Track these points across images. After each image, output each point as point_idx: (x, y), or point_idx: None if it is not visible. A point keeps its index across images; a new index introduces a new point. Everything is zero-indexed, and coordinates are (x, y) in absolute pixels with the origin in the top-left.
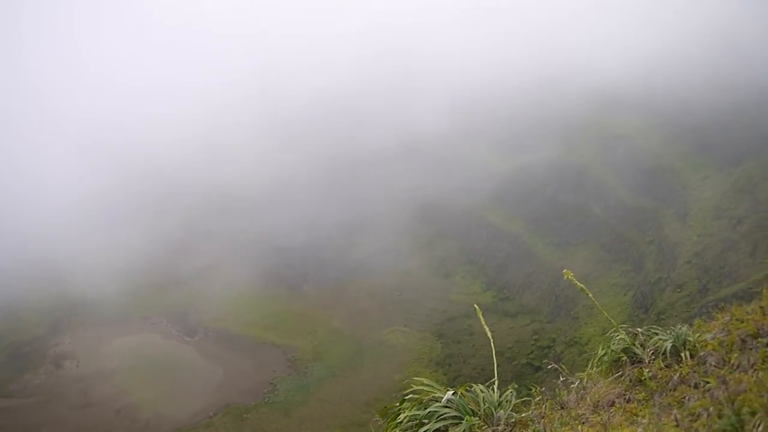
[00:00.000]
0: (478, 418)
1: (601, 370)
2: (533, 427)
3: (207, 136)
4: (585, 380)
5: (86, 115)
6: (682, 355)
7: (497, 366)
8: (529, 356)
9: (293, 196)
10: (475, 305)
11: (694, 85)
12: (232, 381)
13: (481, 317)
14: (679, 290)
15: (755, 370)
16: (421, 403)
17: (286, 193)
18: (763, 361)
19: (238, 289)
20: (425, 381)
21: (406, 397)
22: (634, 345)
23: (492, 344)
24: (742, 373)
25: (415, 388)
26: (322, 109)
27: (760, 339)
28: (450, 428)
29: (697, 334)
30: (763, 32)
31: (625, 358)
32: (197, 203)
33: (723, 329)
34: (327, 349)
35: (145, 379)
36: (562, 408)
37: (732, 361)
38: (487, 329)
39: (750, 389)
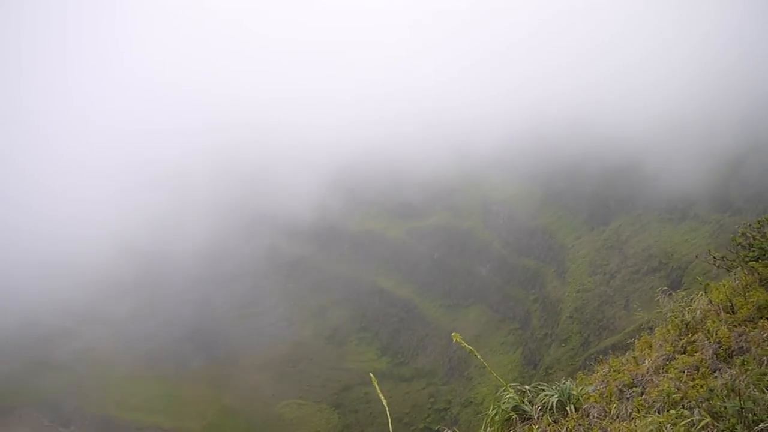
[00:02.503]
0: None
1: (494, 430)
2: None
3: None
4: None
5: None
6: (568, 409)
7: None
8: (427, 420)
9: (178, 271)
10: (370, 374)
11: (563, 152)
12: None
13: (377, 385)
14: (563, 345)
15: (632, 418)
16: None
17: (171, 268)
18: (638, 409)
19: (121, 371)
20: None
21: None
22: (523, 402)
23: (387, 412)
24: (621, 422)
25: None
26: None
27: (634, 388)
28: None
29: (580, 387)
30: (621, 104)
31: (515, 416)
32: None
33: (603, 381)
34: (218, 429)
35: None
36: None
37: (612, 412)
38: (382, 397)
39: None
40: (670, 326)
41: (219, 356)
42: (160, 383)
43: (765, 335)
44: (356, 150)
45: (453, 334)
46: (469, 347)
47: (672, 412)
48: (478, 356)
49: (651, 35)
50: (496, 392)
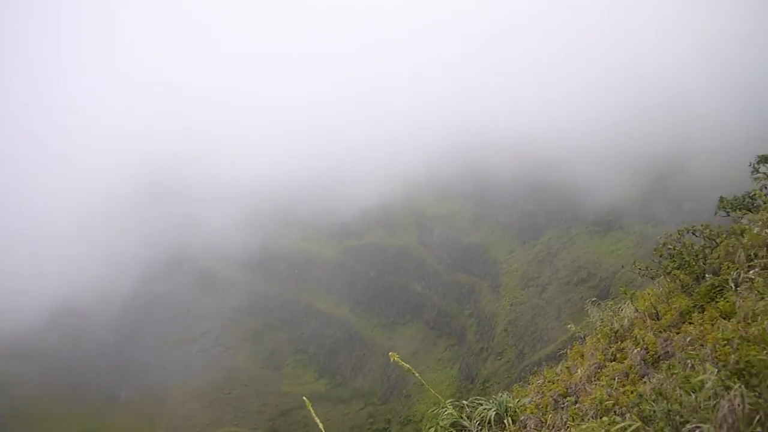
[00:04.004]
0: None
1: None
2: None
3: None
4: None
5: None
6: (506, 421)
7: None
8: None
9: (105, 298)
10: (305, 398)
11: (494, 169)
12: None
13: (311, 409)
14: (499, 358)
15: (567, 427)
16: None
17: (97, 296)
18: (573, 418)
19: (44, 407)
20: None
21: None
22: (462, 418)
23: None
24: None
25: None
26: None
27: (569, 397)
28: None
29: (517, 400)
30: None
31: None
32: None
33: (538, 392)
34: None
35: None
36: None
37: (548, 422)
38: (318, 422)
39: None
40: (600, 335)
41: (150, 386)
42: (87, 418)
43: (688, 339)
44: (290, 172)
45: (390, 353)
46: (407, 366)
47: (605, 418)
48: (416, 374)
49: (580, 57)
50: (435, 409)
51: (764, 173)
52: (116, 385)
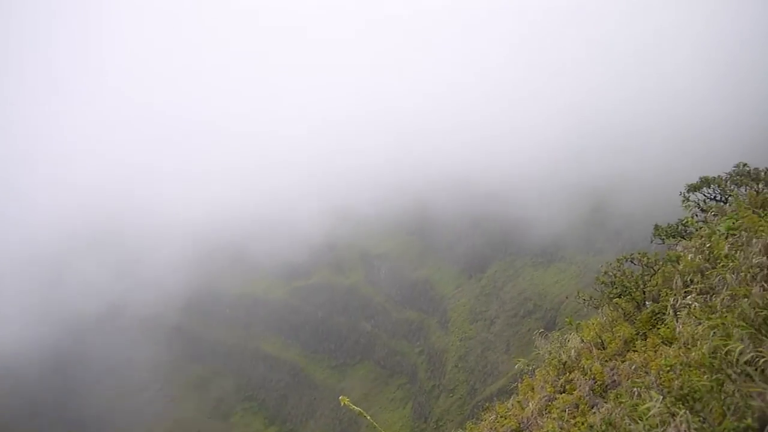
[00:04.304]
0: None
1: None
2: None
3: None
4: None
5: None
6: None
7: None
8: None
9: (40, 352)
10: None
11: (438, 204)
12: None
13: None
14: (451, 395)
15: None
16: None
17: (32, 349)
18: None
19: None
20: None
21: None
22: None
23: None
24: None
25: None
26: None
27: None
28: None
29: None
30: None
31: None
32: None
33: (491, 428)
34: None
35: None
36: None
37: None
38: None
39: None
40: (549, 367)
41: None
42: None
43: (633, 367)
44: (233, 213)
45: (341, 397)
46: (358, 409)
47: None
48: (368, 417)
49: (520, 91)
50: None
51: (694, 201)
52: None
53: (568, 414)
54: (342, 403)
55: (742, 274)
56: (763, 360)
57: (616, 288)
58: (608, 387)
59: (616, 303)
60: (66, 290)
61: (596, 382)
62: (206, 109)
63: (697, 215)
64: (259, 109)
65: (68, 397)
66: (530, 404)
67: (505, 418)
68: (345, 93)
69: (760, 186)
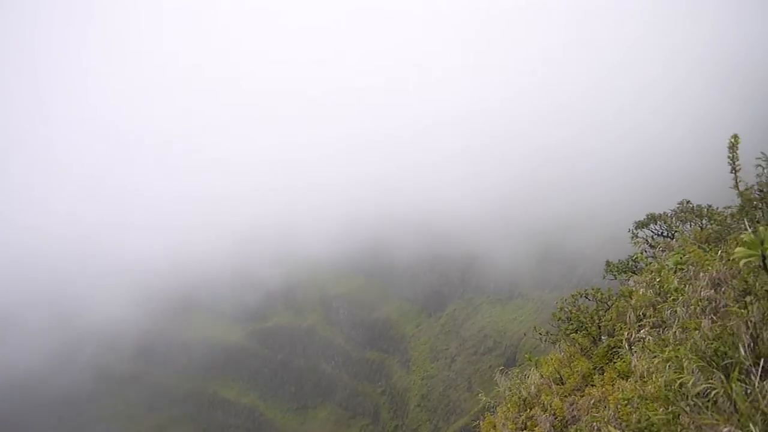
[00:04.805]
0: None
1: None
2: None
3: None
4: None
5: None
6: None
7: None
8: None
9: None
10: None
11: (395, 244)
12: None
13: None
14: None
15: None
16: None
17: None
18: None
19: None
20: None
21: None
22: None
23: None
24: None
25: None
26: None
27: None
28: None
29: None
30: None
31: None
32: None
33: None
34: None
35: None
36: None
37: None
38: None
39: None
40: (509, 404)
41: None
42: None
43: (592, 402)
44: (191, 256)
45: None
46: None
47: None
48: None
49: (476, 129)
50: None
51: (642, 237)
52: None
53: None
54: None
55: (692, 306)
56: (714, 392)
57: (573, 323)
58: (568, 422)
59: (573, 338)
60: (10, 346)
61: (557, 417)
62: (156, 148)
63: (646, 251)
64: (216, 148)
65: None
66: None
67: None
68: (303, 136)
69: (704, 222)
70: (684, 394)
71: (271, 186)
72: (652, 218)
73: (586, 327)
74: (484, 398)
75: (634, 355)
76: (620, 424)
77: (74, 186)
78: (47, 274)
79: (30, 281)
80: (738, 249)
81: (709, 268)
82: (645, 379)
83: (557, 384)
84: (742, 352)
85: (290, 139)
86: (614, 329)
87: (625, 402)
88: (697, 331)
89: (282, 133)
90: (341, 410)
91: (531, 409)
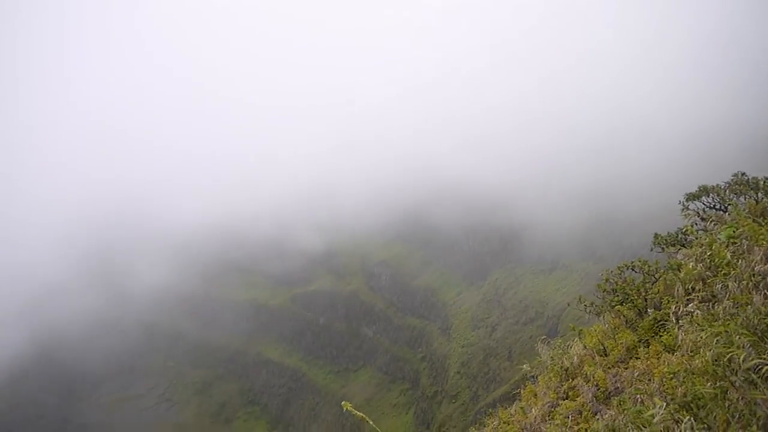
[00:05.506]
0: None
1: None
2: None
3: None
4: None
5: None
6: None
7: None
8: None
9: (42, 358)
10: None
11: (438, 213)
12: None
13: None
14: (454, 401)
15: None
16: None
17: (34, 355)
18: None
19: None
20: None
21: None
22: None
23: None
24: None
25: None
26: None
27: None
28: None
29: None
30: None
31: None
32: None
33: None
34: None
35: None
36: None
37: None
38: None
39: None
40: (551, 374)
41: None
42: None
43: (636, 374)
44: (235, 220)
45: (343, 402)
46: (361, 414)
47: None
48: (370, 422)
49: (520, 97)
50: None
51: (693, 210)
52: None
53: (572, 420)
54: (344, 409)
55: (744, 282)
56: (766, 367)
57: (618, 295)
58: (611, 394)
59: (618, 310)
60: (70, 299)
61: (599, 388)
62: (210, 120)
63: (696, 224)
64: (263, 126)
65: (71, 401)
66: (533, 410)
67: (508, 424)
68: (347, 110)
69: (759, 195)
70: (733, 369)
71: (315, 154)
72: (704, 190)
73: (632, 299)
74: (526, 367)
75: (681, 328)
76: (665, 397)
77: (120, 152)
78: (96, 243)
79: (79, 250)
80: None
81: (764, 242)
82: (692, 354)
83: (600, 355)
84: None
85: (331, 116)
86: (661, 302)
87: (671, 376)
88: (749, 307)
89: (321, 111)
90: (382, 374)
91: (573, 379)
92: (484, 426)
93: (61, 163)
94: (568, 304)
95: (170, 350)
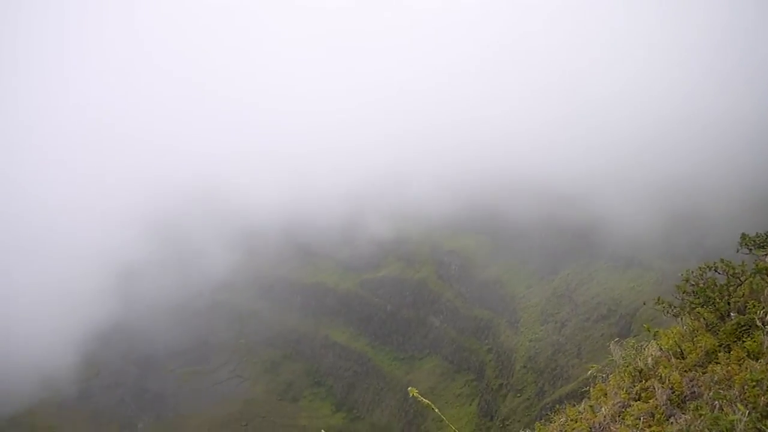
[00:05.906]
0: None
1: None
2: None
3: None
4: None
5: None
6: None
7: None
8: None
9: (122, 327)
10: (323, 430)
11: (509, 205)
12: None
13: None
14: (519, 395)
15: None
16: None
17: (114, 324)
18: None
19: None
20: None
21: None
22: None
23: None
24: None
25: None
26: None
27: None
28: None
29: None
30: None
31: None
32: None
33: (560, 430)
34: None
35: None
36: None
37: None
38: None
39: None
40: (623, 374)
41: (167, 416)
42: None
43: (715, 379)
44: (306, 205)
45: (409, 388)
46: (426, 401)
47: None
48: (436, 410)
49: (594, 81)
50: None
51: None
52: (134, 415)
53: (643, 422)
54: (411, 394)
55: None
56: None
57: (699, 297)
58: (687, 398)
59: (698, 312)
60: (147, 275)
61: (674, 392)
62: (273, 106)
63: None
64: (329, 109)
65: (148, 372)
66: (603, 409)
67: (576, 422)
68: (416, 98)
69: None
70: None
71: (386, 144)
72: None
73: (713, 302)
74: (596, 367)
75: None
76: (747, 405)
77: (194, 138)
78: (173, 228)
79: (160, 234)
80: None
81: None
82: None
83: (677, 358)
84: None
85: (406, 105)
86: (746, 306)
87: (754, 383)
88: None
89: (400, 98)
90: (447, 363)
91: (646, 380)
92: (551, 422)
93: (136, 146)
94: (644, 303)
95: (242, 329)
